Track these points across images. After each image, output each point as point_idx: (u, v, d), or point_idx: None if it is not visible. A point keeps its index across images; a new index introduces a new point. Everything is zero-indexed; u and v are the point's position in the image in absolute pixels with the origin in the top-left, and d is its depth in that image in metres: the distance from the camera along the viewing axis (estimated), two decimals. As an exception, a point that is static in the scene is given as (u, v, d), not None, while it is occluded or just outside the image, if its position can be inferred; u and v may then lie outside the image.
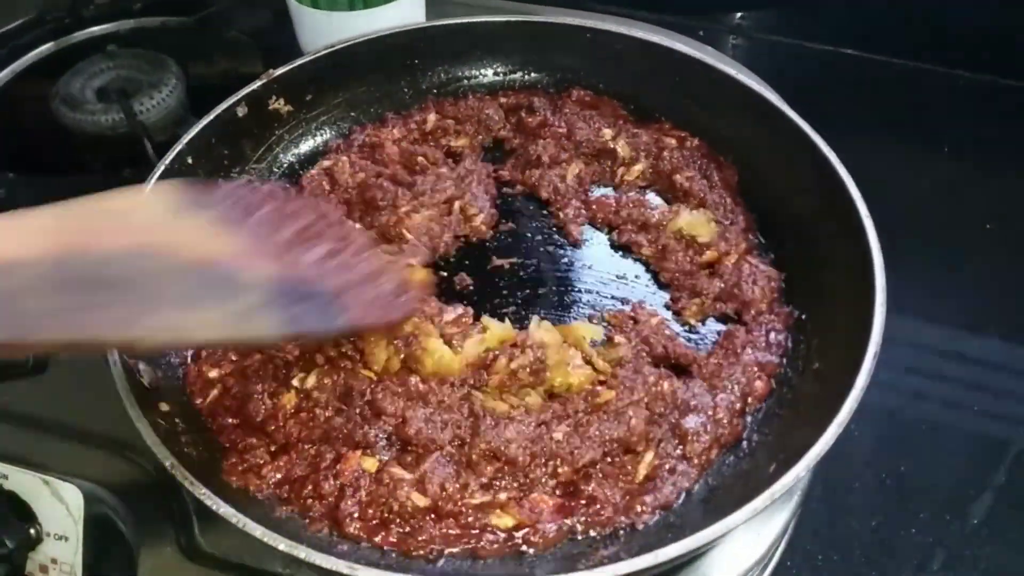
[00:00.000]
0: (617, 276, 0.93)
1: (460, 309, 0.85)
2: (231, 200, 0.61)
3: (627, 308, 0.89)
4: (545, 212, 1.00)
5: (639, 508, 0.73)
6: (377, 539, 0.71)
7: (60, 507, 0.80)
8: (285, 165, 1.06)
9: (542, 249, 0.96)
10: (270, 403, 0.79)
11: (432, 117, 1.07)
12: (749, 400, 0.81)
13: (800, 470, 0.65)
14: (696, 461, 0.76)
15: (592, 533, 0.72)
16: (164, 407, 0.78)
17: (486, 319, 0.84)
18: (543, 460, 0.76)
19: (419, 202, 0.96)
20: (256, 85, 1.00)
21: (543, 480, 0.75)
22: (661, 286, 0.92)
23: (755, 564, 0.76)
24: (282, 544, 0.63)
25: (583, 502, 0.74)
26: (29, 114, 1.21)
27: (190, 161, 0.93)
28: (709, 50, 1.15)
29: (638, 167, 1.01)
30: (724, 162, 0.99)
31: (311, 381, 0.81)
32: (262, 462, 0.76)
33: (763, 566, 0.78)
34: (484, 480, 0.75)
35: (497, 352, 0.81)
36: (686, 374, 0.83)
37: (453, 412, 0.78)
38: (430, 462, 0.74)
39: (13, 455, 0.83)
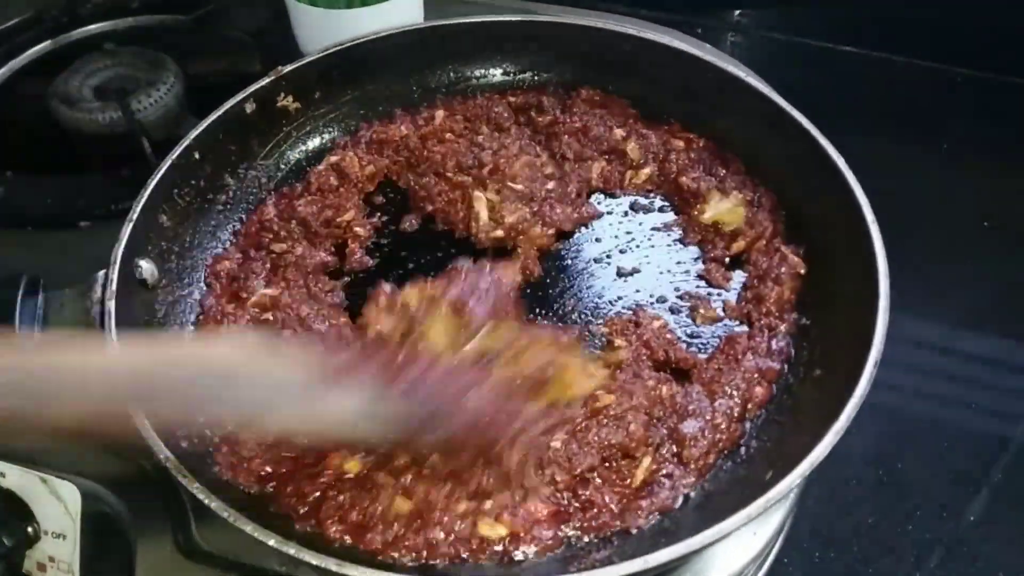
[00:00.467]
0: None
1: None
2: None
3: (629, 312, 0.88)
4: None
5: (635, 512, 0.72)
6: (360, 543, 0.70)
7: (58, 505, 0.80)
8: (292, 162, 1.05)
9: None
10: None
11: (440, 114, 1.07)
12: (749, 406, 0.80)
13: (794, 478, 0.64)
14: (693, 466, 0.76)
15: (586, 538, 0.72)
16: None
17: None
18: (540, 469, 0.75)
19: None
20: (265, 82, 1.00)
21: (539, 488, 0.74)
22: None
23: (752, 560, 0.76)
24: (272, 540, 0.63)
25: (579, 507, 0.73)
26: (26, 112, 1.21)
27: (197, 156, 0.93)
28: (709, 48, 1.15)
29: (646, 171, 1.00)
30: (731, 156, 0.99)
31: None
32: (252, 455, 0.75)
33: (760, 562, 0.78)
34: (474, 488, 0.74)
35: None
36: (686, 378, 0.82)
37: None
38: (416, 471, 0.73)
39: (11, 453, 0.83)
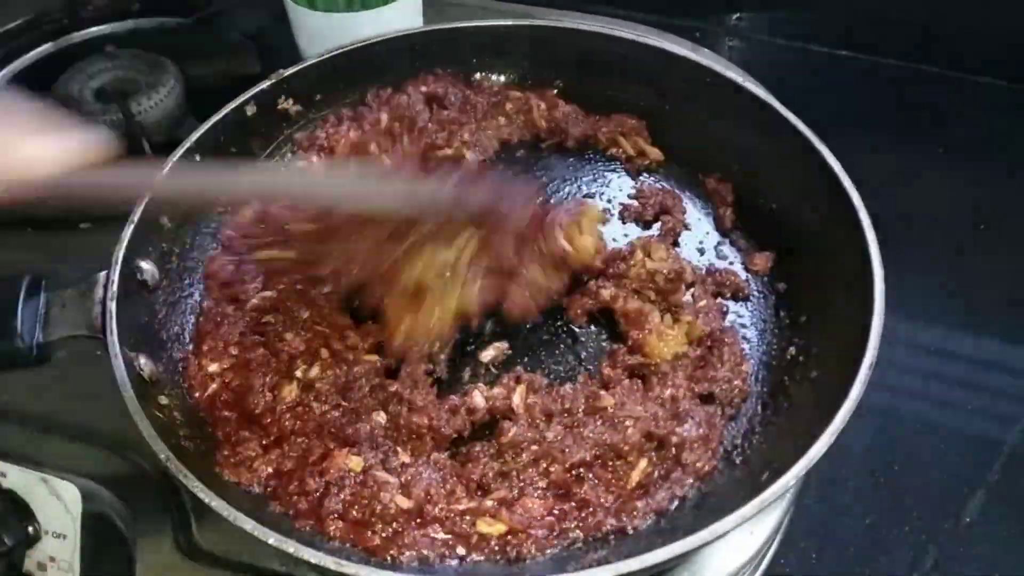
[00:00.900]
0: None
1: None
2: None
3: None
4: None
5: (631, 513, 0.73)
6: (359, 541, 0.70)
7: (58, 505, 0.80)
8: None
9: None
10: (270, 396, 0.80)
11: (385, 118, 1.07)
12: (744, 408, 0.81)
13: (789, 480, 0.65)
14: (690, 468, 0.76)
15: (583, 537, 0.72)
16: (163, 400, 0.78)
17: None
18: (534, 459, 0.76)
19: None
20: (266, 84, 1.00)
21: (534, 480, 0.75)
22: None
23: (748, 561, 0.77)
24: (271, 538, 0.63)
25: (575, 505, 0.74)
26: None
27: (198, 159, 0.93)
28: (707, 52, 1.15)
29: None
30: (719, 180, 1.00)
31: (314, 372, 0.81)
32: (254, 455, 0.76)
33: (757, 563, 0.79)
34: (473, 480, 0.75)
35: None
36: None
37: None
38: (416, 467, 0.75)
39: (11, 453, 0.83)
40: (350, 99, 1.08)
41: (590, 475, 0.76)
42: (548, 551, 0.71)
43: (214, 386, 0.82)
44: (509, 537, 0.71)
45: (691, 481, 0.76)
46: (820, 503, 0.83)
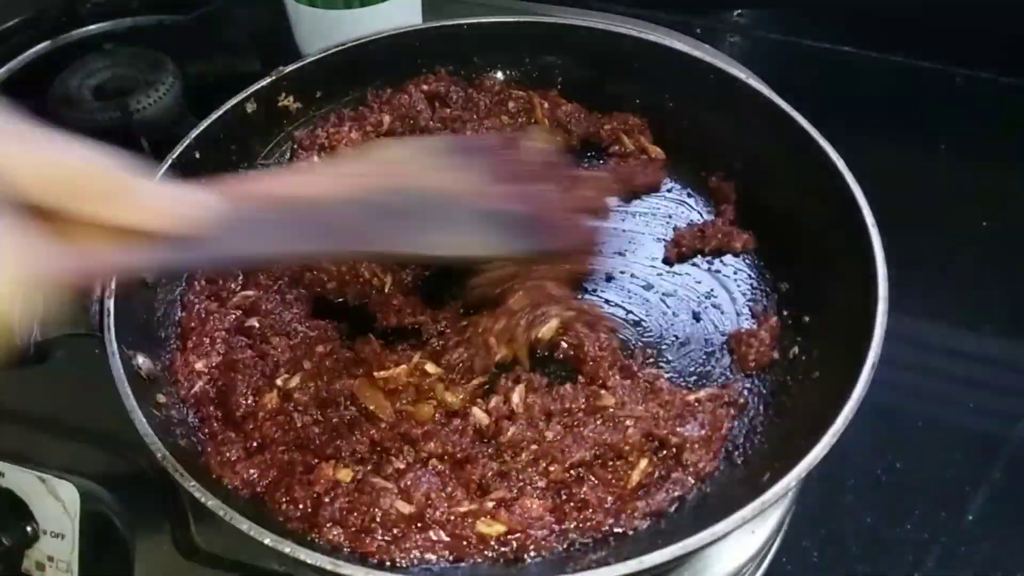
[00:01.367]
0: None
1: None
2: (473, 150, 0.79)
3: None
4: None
5: (631, 514, 0.72)
6: (359, 547, 0.70)
7: (56, 505, 0.80)
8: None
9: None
10: (252, 400, 0.79)
11: (387, 119, 1.06)
12: (747, 408, 0.81)
13: (789, 481, 0.65)
14: (692, 469, 0.76)
15: (583, 538, 0.72)
16: (160, 398, 0.78)
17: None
18: (534, 459, 0.75)
19: None
20: (266, 82, 1.00)
21: (533, 480, 0.75)
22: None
23: (750, 559, 0.77)
24: (267, 538, 0.63)
25: (574, 505, 0.73)
26: (26, 112, 1.20)
27: (197, 156, 0.93)
28: (708, 48, 1.15)
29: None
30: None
31: (294, 382, 0.80)
32: (236, 458, 0.75)
33: (758, 562, 0.78)
34: (473, 480, 0.74)
35: None
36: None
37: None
38: (414, 472, 0.74)
39: (9, 452, 0.83)
40: (351, 96, 1.08)
41: (590, 475, 0.75)
42: (547, 551, 0.71)
43: (200, 383, 0.82)
44: (508, 537, 0.71)
45: (692, 482, 0.75)
46: (822, 501, 0.83)
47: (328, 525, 0.71)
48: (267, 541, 0.63)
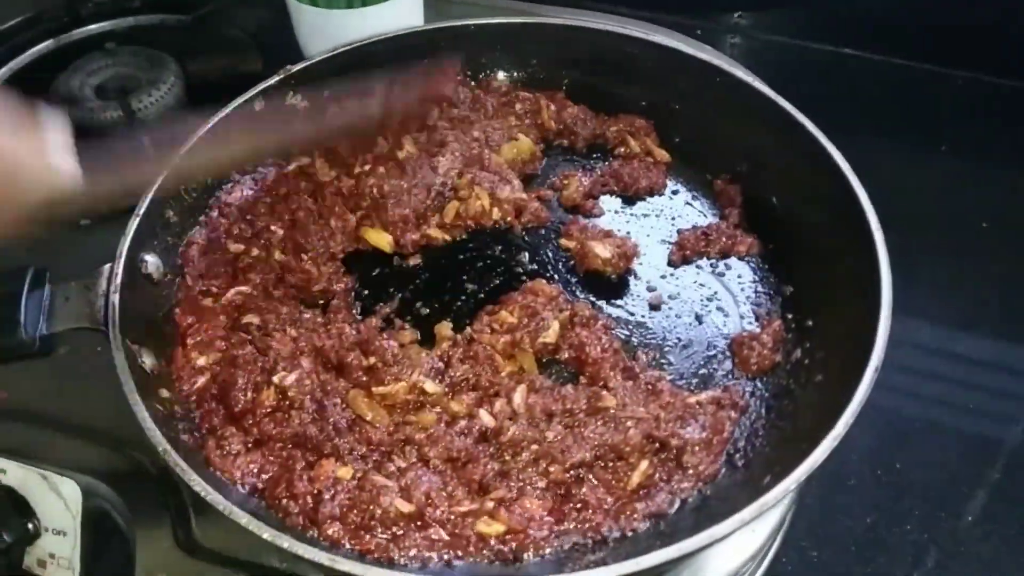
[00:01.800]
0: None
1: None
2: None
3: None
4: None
5: (630, 515, 0.72)
6: (358, 544, 0.70)
7: (58, 502, 0.80)
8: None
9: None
10: (250, 396, 0.79)
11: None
12: (748, 410, 0.81)
13: (790, 484, 0.65)
14: (692, 471, 0.76)
15: (582, 538, 0.72)
16: (164, 393, 0.78)
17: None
18: (534, 459, 0.75)
19: None
20: (273, 80, 1.00)
21: (533, 480, 0.75)
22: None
23: (750, 559, 0.77)
24: (266, 533, 0.63)
25: (574, 506, 0.73)
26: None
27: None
28: (709, 50, 1.15)
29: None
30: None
31: (290, 379, 0.80)
32: (235, 453, 0.75)
33: (758, 561, 0.78)
34: (474, 479, 0.74)
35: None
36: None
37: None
38: (415, 471, 0.74)
39: (11, 449, 0.83)
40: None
41: (590, 476, 0.75)
42: (547, 552, 0.71)
43: (202, 379, 0.82)
44: (508, 537, 0.71)
45: (692, 484, 0.75)
46: (822, 502, 0.83)
47: (328, 522, 0.71)
48: (266, 536, 0.63)
